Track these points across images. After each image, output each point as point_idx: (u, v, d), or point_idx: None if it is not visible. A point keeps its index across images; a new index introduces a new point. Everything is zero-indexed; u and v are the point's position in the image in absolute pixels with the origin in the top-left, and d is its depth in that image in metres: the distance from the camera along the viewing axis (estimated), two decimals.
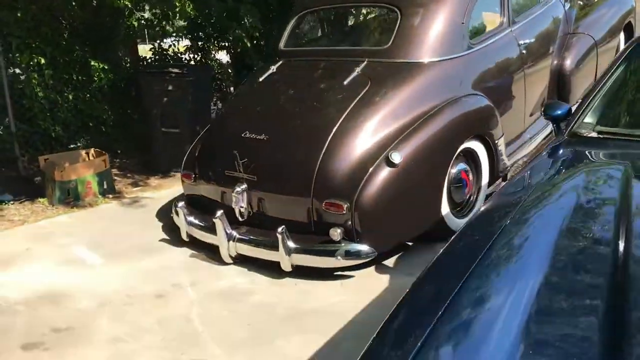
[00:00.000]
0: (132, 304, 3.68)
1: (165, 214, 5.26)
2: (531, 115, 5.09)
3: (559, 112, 2.98)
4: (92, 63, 6.38)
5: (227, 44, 7.85)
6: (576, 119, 2.79)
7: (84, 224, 5.12)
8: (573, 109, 3.11)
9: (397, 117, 3.98)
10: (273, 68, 4.69)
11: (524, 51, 4.86)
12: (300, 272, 3.87)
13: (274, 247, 3.86)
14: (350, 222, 3.71)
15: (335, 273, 3.90)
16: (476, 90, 4.38)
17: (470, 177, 4.38)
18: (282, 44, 4.94)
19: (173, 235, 4.69)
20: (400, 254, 4.10)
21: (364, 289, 3.71)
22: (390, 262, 4.03)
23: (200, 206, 4.49)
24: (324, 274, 3.87)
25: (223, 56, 8.22)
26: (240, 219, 4.11)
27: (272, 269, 3.96)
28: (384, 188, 3.74)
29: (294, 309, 3.52)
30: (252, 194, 4.07)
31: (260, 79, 4.65)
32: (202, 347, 3.17)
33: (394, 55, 4.25)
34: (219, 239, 4.06)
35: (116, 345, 3.24)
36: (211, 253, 4.27)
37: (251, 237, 4.03)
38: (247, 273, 4.02)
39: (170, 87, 6.37)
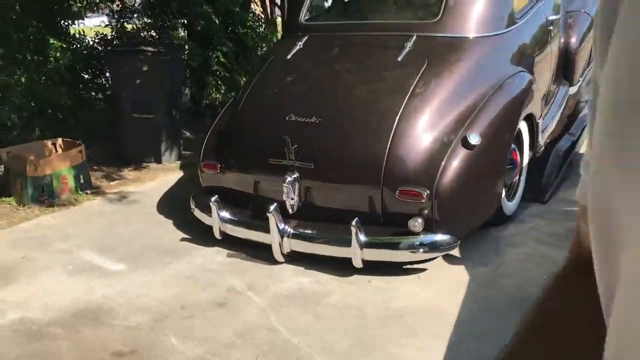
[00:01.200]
0: (193, 316, 3.17)
1: (168, 210, 4.69)
2: (552, 93, 4.99)
3: None
4: (51, 41, 5.57)
5: (185, 21, 7.21)
6: None
7: (76, 225, 4.45)
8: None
9: (462, 96, 3.71)
10: (299, 44, 4.24)
11: (550, 27, 4.74)
12: (366, 268, 3.51)
13: (343, 242, 3.48)
14: (428, 211, 3.40)
15: (405, 267, 3.59)
16: (522, 67, 4.19)
17: (518, 157, 4.20)
18: (302, 18, 4.50)
19: (194, 234, 4.16)
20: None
21: (447, 282, 3.43)
22: (454, 251, 3.76)
23: (227, 200, 3.99)
24: (393, 269, 3.54)
25: (182, 34, 7.55)
26: (290, 211, 3.68)
27: (331, 266, 3.58)
28: (463, 172, 3.46)
29: (385, 309, 3.17)
30: (305, 184, 3.65)
31: (289, 57, 4.19)
32: None
33: (445, 30, 3.95)
34: (272, 235, 3.61)
35: None
36: (252, 251, 3.82)
37: (310, 232, 3.61)
38: (306, 272, 3.60)
39: (145, 68, 5.70)
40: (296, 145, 3.64)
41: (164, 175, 5.62)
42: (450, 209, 3.45)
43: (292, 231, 3.62)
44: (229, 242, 3.93)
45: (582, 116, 5.38)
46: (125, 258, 3.85)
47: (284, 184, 3.61)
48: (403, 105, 3.58)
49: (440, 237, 3.42)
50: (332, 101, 3.81)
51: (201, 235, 4.09)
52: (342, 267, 3.55)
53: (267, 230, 3.67)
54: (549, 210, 4.42)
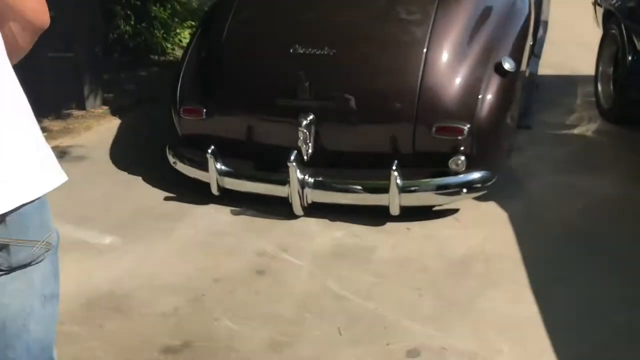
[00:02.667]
0: (235, 290, 2.69)
1: (129, 166, 4.02)
2: None
3: None
4: None
5: None
6: None
7: None
8: None
9: (484, 20, 3.41)
10: None
11: None
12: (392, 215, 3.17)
13: (376, 188, 3.13)
14: (468, 148, 3.11)
15: (435, 209, 3.32)
16: None
17: None
18: None
19: (178, 192, 3.60)
20: None
21: (489, 222, 3.22)
22: None
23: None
24: (423, 212, 3.26)
25: None
26: (305, 159, 3.23)
27: (356, 215, 3.23)
28: (499, 101, 3.20)
29: (444, 260, 2.89)
30: (324, 126, 3.21)
31: None
32: (403, 330, 2.42)
33: None
34: (292, 187, 3.16)
35: (285, 350, 2.33)
36: (258, 206, 3.36)
37: (335, 180, 3.21)
38: (333, 224, 3.22)
39: None
40: (308, 82, 3.16)
41: (98, 124, 4.85)
42: (490, 142, 3.20)
43: (312, 181, 3.19)
44: (225, 198, 3.42)
45: (540, 38, 5.30)
46: (112, 229, 3.22)
47: (299, 128, 3.14)
48: (430, 31, 3.21)
49: (480, 174, 3.16)
50: (343, 29, 3.35)
51: (187, 192, 3.54)
52: (369, 215, 3.22)
53: (278, 181, 3.23)
54: (539, 136, 4.32)
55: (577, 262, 2.83)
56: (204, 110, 3.45)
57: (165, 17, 6.52)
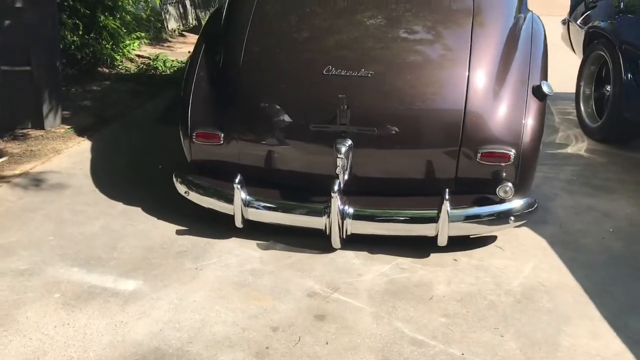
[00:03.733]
0: (300, 340, 2.41)
1: (120, 194, 3.63)
2: None
3: None
4: None
5: None
6: None
7: (6, 230, 3.19)
8: None
9: (515, 39, 3.32)
10: None
11: None
12: (430, 243, 3.00)
13: (423, 218, 2.95)
14: (512, 174, 3.01)
15: (472, 237, 3.19)
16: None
17: None
18: None
19: (189, 224, 3.26)
20: None
21: (531, 250, 3.13)
22: None
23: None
24: (462, 242, 3.11)
25: None
26: (342, 186, 3.00)
27: (395, 247, 3.04)
28: (539, 125, 3.10)
29: (507, 294, 2.74)
30: (362, 153, 2.99)
31: None
32: None
33: None
34: (332, 219, 2.91)
35: None
36: (287, 238, 3.09)
37: (378, 210, 2.99)
38: (375, 257, 3.01)
39: (18, 4, 4.28)
40: (345, 106, 2.94)
41: (65, 146, 4.36)
42: (531, 168, 3.10)
43: (352, 211, 2.96)
44: (244, 231, 3.12)
45: None
46: (129, 271, 2.84)
47: (338, 155, 2.91)
48: (470, 53, 3.08)
49: (524, 201, 3.05)
50: (378, 49, 3.16)
51: (198, 223, 3.23)
52: (408, 245, 3.04)
53: (314, 212, 2.98)
54: None
55: (636, 290, 2.78)
56: (222, 135, 3.14)
57: (116, 27, 6.05)
